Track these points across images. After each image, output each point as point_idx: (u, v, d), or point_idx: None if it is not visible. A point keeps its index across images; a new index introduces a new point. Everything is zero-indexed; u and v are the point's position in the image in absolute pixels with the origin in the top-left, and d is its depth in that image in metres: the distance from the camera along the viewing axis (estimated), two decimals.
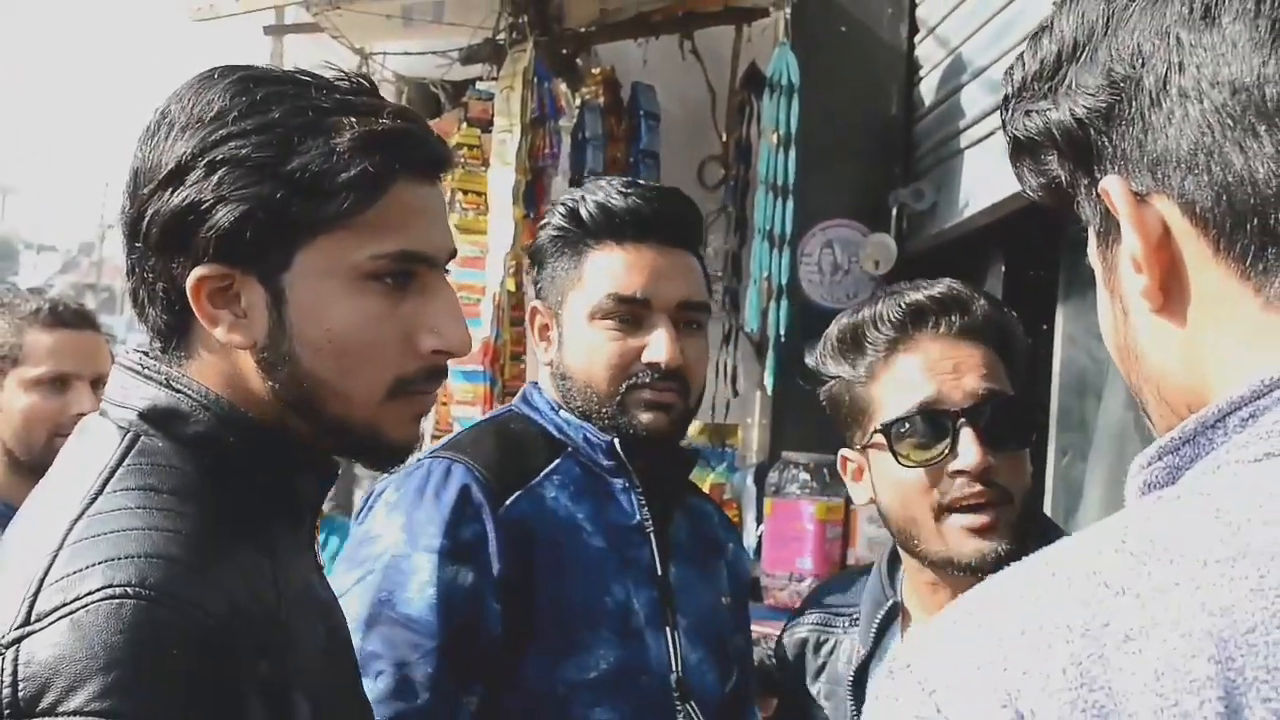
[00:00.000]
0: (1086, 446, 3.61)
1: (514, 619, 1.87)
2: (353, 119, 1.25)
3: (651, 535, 2.00)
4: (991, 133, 3.75)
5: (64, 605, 1.08)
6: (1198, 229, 0.84)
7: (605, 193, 2.03)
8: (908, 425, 1.78)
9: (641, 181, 2.15)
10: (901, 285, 1.93)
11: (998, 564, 1.72)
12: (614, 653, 1.91)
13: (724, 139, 5.03)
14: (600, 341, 1.98)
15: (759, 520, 4.20)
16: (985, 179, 3.77)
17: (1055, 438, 3.64)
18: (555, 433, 2.02)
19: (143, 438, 1.25)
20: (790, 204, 4.23)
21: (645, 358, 1.96)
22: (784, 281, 4.25)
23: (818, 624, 2.01)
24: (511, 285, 4.25)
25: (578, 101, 4.70)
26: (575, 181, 4.49)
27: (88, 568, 1.10)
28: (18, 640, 1.08)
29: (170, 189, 1.23)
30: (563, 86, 4.65)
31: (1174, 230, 0.85)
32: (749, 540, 4.21)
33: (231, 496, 1.24)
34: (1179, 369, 0.89)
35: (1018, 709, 0.74)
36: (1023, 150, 0.97)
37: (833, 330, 1.92)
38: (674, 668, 1.97)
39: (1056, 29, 0.94)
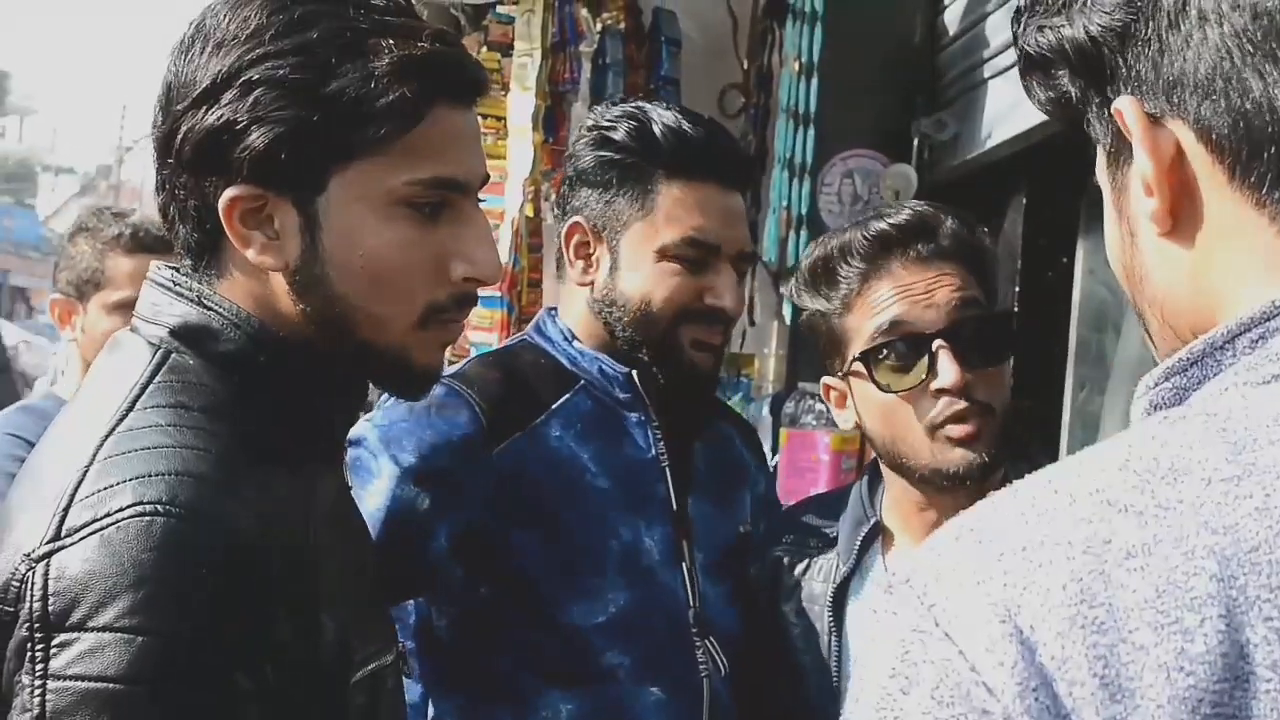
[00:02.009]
0: (1105, 380, 3.60)
1: (501, 564, 1.85)
2: (391, 41, 1.24)
3: (667, 470, 1.97)
4: (1016, 63, 3.71)
5: (94, 521, 1.09)
6: (1213, 155, 0.84)
7: (675, 118, 1.97)
8: (885, 352, 1.83)
9: (690, 110, 2.08)
10: (868, 213, 1.99)
11: (983, 471, 1.79)
12: (623, 594, 1.89)
13: (745, 66, 4.99)
14: (666, 276, 1.94)
15: (774, 450, 4.21)
16: (1009, 110, 3.73)
17: (1073, 371, 3.63)
18: (568, 364, 1.99)
19: (173, 355, 1.25)
20: (811, 133, 4.20)
21: (709, 300, 1.94)
22: (803, 211, 4.23)
23: (792, 544, 2.02)
24: (530, 211, 4.23)
25: (598, 26, 4.65)
26: (595, 108, 4.46)
27: (118, 484, 1.11)
28: (48, 555, 1.09)
29: (204, 107, 1.22)
30: (583, 11, 4.60)
31: (1188, 154, 0.85)
32: None
33: (261, 416, 1.25)
34: (1185, 293, 0.88)
35: (1016, 624, 0.74)
36: (1034, 65, 0.97)
37: (804, 263, 1.98)
38: (691, 603, 1.94)
39: None
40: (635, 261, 1.96)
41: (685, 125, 1.95)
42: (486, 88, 1.36)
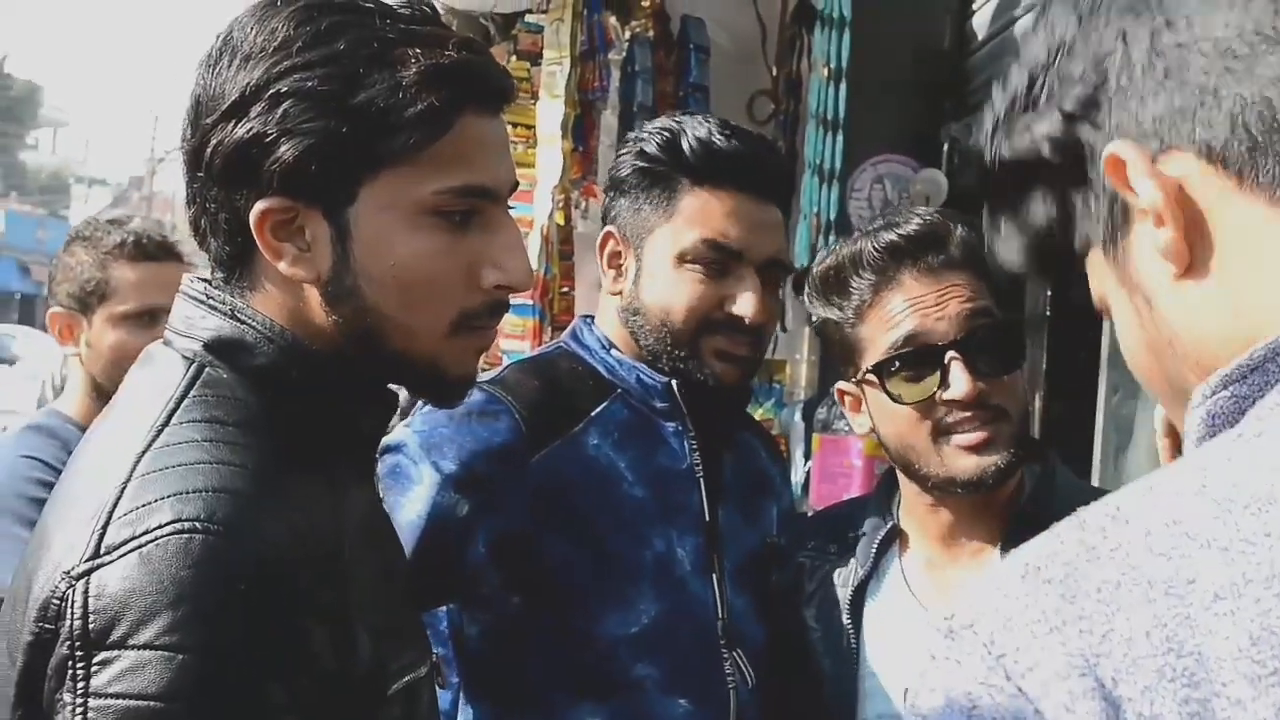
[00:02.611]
0: (1137, 384, 3.57)
1: (537, 573, 1.83)
2: (418, 50, 1.24)
3: (701, 480, 1.96)
4: None
5: (133, 538, 1.10)
6: (1218, 168, 0.82)
7: (707, 130, 1.94)
8: (898, 364, 1.84)
9: (734, 124, 2.05)
10: (878, 221, 1.97)
11: (998, 477, 1.79)
12: (655, 605, 1.87)
13: (774, 73, 4.98)
14: (685, 284, 1.91)
15: (807, 456, 4.20)
16: None
17: (1106, 375, 3.60)
18: (605, 373, 1.97)
19: (207, 368, 1.26)
20: (840, 138, 4.18)
21: (730, 309, 1.91)
22: (833, 216, 4.21)
23: (814, 550, 2.03)
24: (560, 219, 4.23)
25: (627, 34, 4.66)
26: (624, 115, 4.46)
27: (156, 501, 1.11)
28: (88, 572, 1.10)
29: (234, 120, 1.22)
30: (612, 19, 4.61)
31: (1190, 182, 0.83)
32: (797, 476, 4.21)
33: (294, 428, 1.25)
34: (1217, 330, 0.83)
35: (1098, 676, 0.68)
36: (1004, 193, 0.96)
37: (816, 270, 1.98)
38: (720, 614, 1.93)
39: (1026, 56, 0.94)
40: (656, 268, 1.94)
41: (716, 136, 1.92)
42: (514, 95, 1.35)
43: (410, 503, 1.79)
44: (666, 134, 1.95)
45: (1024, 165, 0.94)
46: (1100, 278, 0.93)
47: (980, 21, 4.28)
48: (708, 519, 1.95)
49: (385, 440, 1.80)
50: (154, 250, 2.63)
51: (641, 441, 1.93)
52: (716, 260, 1.90)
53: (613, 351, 1.98)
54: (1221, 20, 0.82)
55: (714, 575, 1.94)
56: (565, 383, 1.95)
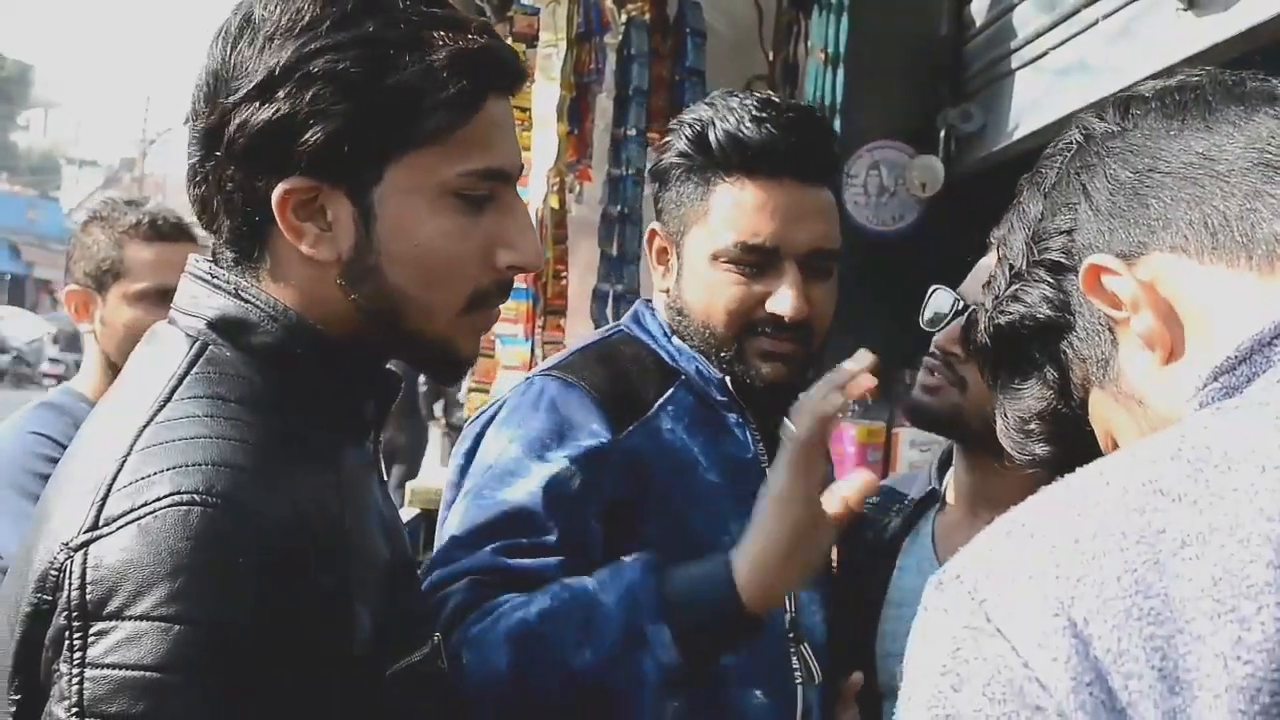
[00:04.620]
0: None
1: (637, 548, 1.71)
2: (444, 33, 1.25)
3: (767, 471, 1.80)
4: (1043, 54, 3.70)
5: (132, 510, 1.10)
6: (1179, 256, 0.95)
7: (737, 117, 1.85)
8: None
9: (776, 100, 1.92)
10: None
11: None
12: None
13: (770, 58, 4.98)
14: (722, 285, 1.84)
15: None
16: (1035, 102, 3.72)
17: None
18: (667, 359, 1.91)
19: (211, 347, 1.26)
20: (837, 124, 4.19)
21: (769, 308, 1.83)
22: None
23: (876, 506, 2.12)
24: (555, 202, 4.23)
25: (623, 17, 4.65)
26: (619, 99, 4.46)
27: (155, 474, 1.12)
28: (86, 544, 1.10)
29: (259, 101, 1.21)
30: (609, 2, 4.60)
31: (1159, 278, 0.96)
32: None
33: (297, 408, 1.25)
34: None
35: (1070, 617, 0.74)
36: (1007, 367, 1.12)
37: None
38: (788, 608, 1.86)
39: (1007, 251, 1.11)
40: (695, 267, 1.88)
41: (745, 126, 1.83)
42: (525, 78, 1.36)
43: (523, 490, 1.71)
44: (698, 126, 1.88)
45: (1021, 334, 1.08)
46: (1102, 414, 1.05)
47: (978, 7, 4.28)
48: None
49: (477, 462, 1.78)
50: (169, 231, 2.66)
51: (709, 429, 1.88)
52: (751, 260, 1.83)
53: (673, 339, 1.92)
54: (1170, 146, 0.99)
55: None
56: (631, 369, 1.89)
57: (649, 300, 2.02)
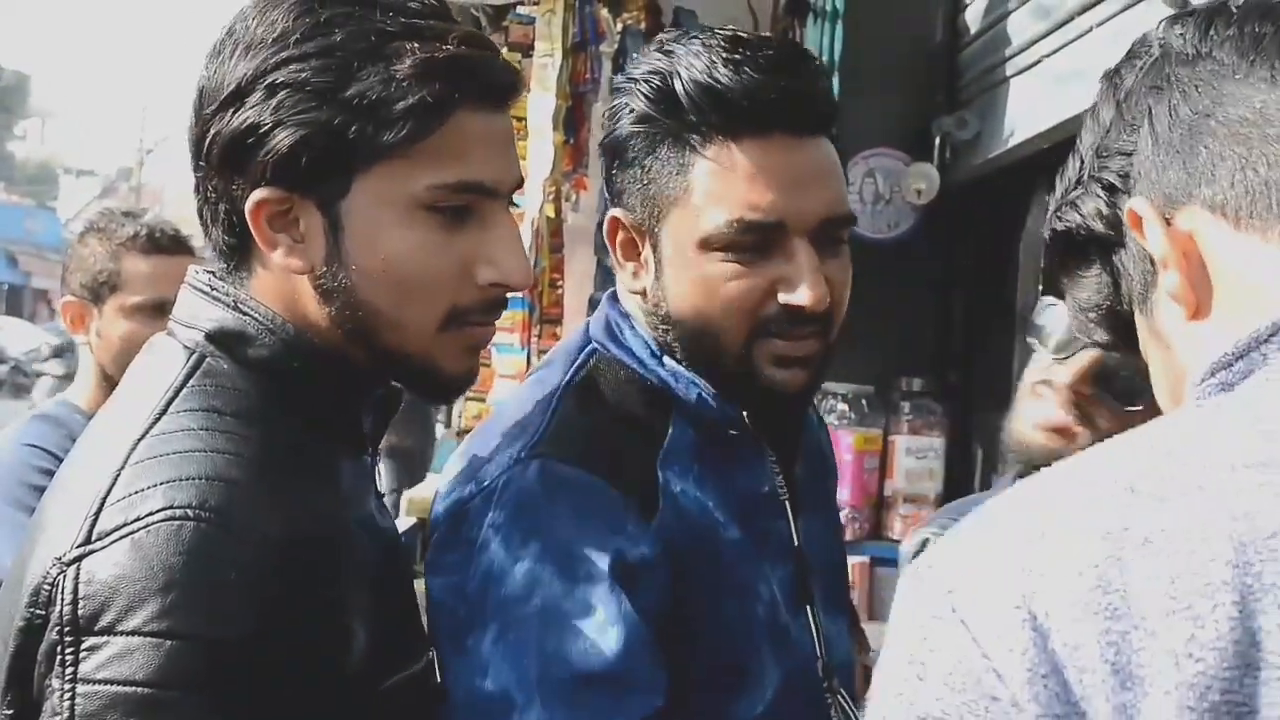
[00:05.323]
0: None
1: (679, 656, 1.41)
2: (415, 44, 1.23)
3: (787, 504, 1.58)
4: (1038, 61, 3.70)
5: (125, 525, 1.10)
6: (1218, 217, 0.93)
7: (706, 63, 1.44)
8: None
9: (745, 35, 1.50)
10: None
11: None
12: (778, 670, 1.50)
13: None
14: (717, 278, 1.46)
15: None
16: (1030, 108, 3.72)
17: None
18: (657, 383, 1.53)
19: (208, 359, 1.26)
20: (832, 131, 4.18)
21: (782, 298, 1.46)
22: None
23: (939, 528, 2.07)
24: (551, 211, 4.23)
25: (619, 26, 4.66)
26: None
27: (149, 488, 1.11)
28: (79, 558, 1.10)
29: (231, 110, 1.22)
30: (604, 11, 4.60)
31: (1199, 232, 0.94)
32: None
33: (294, 421, 1.25)
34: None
35: (1031, 609, 0.75)
36: (1065, 266, 1.11)
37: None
38: (819, 653, 1.57)
39: (1080, 145, 1.08)
40: (680, 260, 1.49)
41: (720, 71, 1.44)
42: (517, 90, 1.33)
43: (601, 638, 1.33)
44: (656, 79, 1.47)
45: (1077, 239, 1.07)
46: (1142, 336, 1.04)
47: (973, 15, 4.28)
48: (796, 543, 1.59)
49: (484, 573, 1.38)
50: (166, 243, 2.65)
51: (716, 465, 1.53)
52: (751, 242, 1.45)
53: (666, 361, 1.53)
54: (1233, 93, 0.94)
55: (807, 606, 1.58)
56: (623, 422, 1.51)
57: (615, 300, 1.61)
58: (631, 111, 1.50)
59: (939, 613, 0.79)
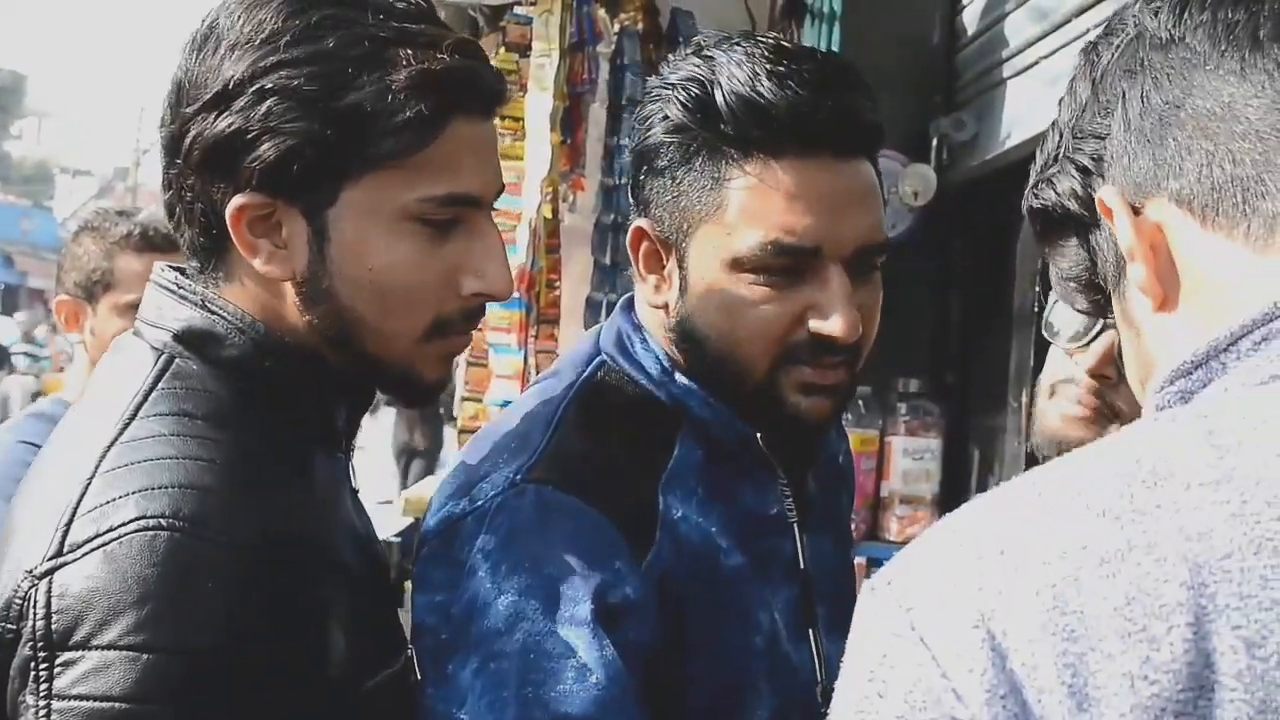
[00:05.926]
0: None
1: (670, 695, 1.40)
2: (410, 52, 1.21)
3: (795, 526, 1.55)
4: (1035, 63, 3.69)
5: (97, 536, 1.08)
6: (1185, 212, 0.93)
7: (748, 74, 1.39)
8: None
9: (789, 46, 1.45)
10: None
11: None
12: (773, 701, 1.48)
13: None
14: (747, 301, 1.42)
15: None
16: (1028, 110, 3.71)
17: None
18: (666, 400, 1.50)
19: (177, 360, 1.23)
20: None
21: (813, 326, 1.42)
22: None
23: None
24: (548, 212, 4.22)
25: (616, 27, 4.64)
26: (612, 108, 4.45)
27: (121, 497, 1.09)
28: (50, 571, 1.08)
29: (215, 112, 1.20)
30: (601, 12, 4.59)
31: (1166, 225, 0.94)
32: None
33: (267, 422, 1.23)
34: (1189, 354, 0.92)
35: (989, 629, 0.75)
36: (1048, 228, 1.11)
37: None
38: (819, 678, 1.54)
39: (1058, 120, 1.09)
40: (708, 278, 1.44)
41: (763, 83, 1.38)
42: (505, 98, 1.32)
43: (580, 683, 1.29)
44: (694, 87, 1.42)
45: (1054, 216, 1.07)
46: (1117, 316, 1.05)
47: (970, 16, 4.28)
48: (801, 565, 1.55)
49: (468, 601, 1.34)
50: (160, 242, 2.65)
51: (724, 487, 1.49)
52: (785, 266, 1.41)
53: (678, 377, 1.50)
54: (1203, 84, 0.94)
55: (810, 630, 1.55)
56: (626, 443, 1.47)
57: (631, 308, 1.58)
58: (666, 119, 1.45)
59: (899, 630, 0.78)
